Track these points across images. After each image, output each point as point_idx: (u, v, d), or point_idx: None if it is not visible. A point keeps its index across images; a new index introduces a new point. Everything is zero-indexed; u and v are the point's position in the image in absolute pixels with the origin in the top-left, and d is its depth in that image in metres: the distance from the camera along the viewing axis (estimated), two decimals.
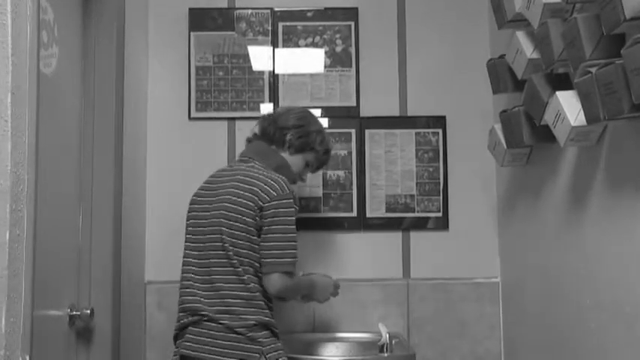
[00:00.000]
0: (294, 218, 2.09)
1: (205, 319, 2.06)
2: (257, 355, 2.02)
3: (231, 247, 2.06)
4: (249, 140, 2.34)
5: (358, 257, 2.74)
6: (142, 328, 2.63)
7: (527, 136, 2.03)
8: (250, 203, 2.06)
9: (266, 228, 2.06)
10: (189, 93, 2.77)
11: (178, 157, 2.76)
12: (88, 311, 2.15)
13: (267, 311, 2.08)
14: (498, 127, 2.25)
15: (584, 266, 1.86)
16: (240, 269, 2.05)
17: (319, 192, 2.75)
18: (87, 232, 2.23)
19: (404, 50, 2.80)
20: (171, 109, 2.77)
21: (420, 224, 2.74)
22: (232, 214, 2.08)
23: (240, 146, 2.64)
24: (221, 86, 2.77)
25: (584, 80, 1.56)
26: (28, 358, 1.53)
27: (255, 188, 2.08)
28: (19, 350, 1.47)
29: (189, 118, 2.77)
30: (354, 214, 2.74)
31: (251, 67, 2.78)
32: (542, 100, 1.84)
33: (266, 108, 2.76)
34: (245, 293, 2.05)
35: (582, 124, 1.66)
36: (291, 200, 2.09)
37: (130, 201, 2.48)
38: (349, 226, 2.74)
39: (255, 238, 2.06)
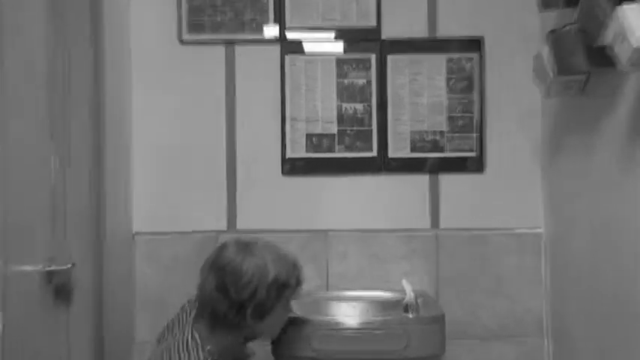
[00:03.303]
0: None
1: None
2: None
3: None
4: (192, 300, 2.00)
5: (379, 204, 2.61)
6: (131, 285, 2.55)
7: (582, 61, 1.92)
8: None
9: None
10: (179, 12, 2.59)
11: (168, 86, 2.60)
12: (69, 266, 2.07)
13: None
14: (545, 51, 2.09)
15: None
16: None
17: (333, 128, 2.59)
18: (60, 175, 2.11)
19: None
20: (159, 30, 2.60)
21: (452, 166, 2.59)
22: None
23: (240, 74, 2.64)
24: (218, 4, 2.59)
25: None
26: (0, 315, 1.53)
27: None
28: None
29: (180, 41, 2.60)
30: (374, 153, 2.60)
31: None
32: (601, 16, 1.71)
33: (270, 31, 2.58)
34: None
35: None
36: None
37: (113, 139, 2.36)
38: (368, 167, 2.60)
39: None
